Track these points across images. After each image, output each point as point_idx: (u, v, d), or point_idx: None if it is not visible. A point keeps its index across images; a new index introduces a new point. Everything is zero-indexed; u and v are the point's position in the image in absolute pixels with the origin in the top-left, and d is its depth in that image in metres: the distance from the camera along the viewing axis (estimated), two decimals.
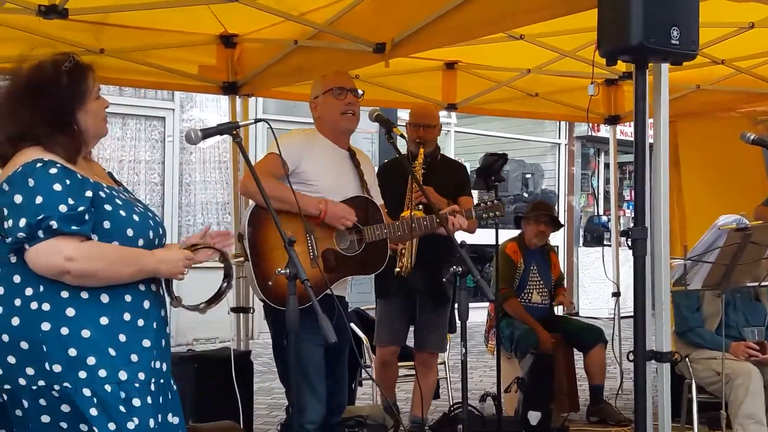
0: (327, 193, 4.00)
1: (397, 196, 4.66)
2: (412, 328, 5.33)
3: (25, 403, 2.61)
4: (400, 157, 4.22)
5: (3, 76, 2.85)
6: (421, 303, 5.10)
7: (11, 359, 2.60)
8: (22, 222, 2.55)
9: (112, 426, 2.57)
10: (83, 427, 2.59)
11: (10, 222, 2.57)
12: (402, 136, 4.28)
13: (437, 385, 6.17)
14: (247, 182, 3.99)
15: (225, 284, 2.97)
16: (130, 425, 2.60)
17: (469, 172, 13.43)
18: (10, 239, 2.58)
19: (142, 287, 2.73)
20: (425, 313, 5.15)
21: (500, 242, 5.84)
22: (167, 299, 2.87)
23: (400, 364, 5.42)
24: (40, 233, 2.54)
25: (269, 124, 3.38)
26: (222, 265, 2.99)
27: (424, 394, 5.18)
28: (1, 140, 2.72)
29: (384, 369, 5.29)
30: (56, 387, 2.57)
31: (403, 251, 4.77)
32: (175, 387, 2.83)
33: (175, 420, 2.79)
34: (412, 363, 5.42)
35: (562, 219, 14.15)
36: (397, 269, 4.76)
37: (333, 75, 4.33)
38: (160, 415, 2.70)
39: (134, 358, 2.65)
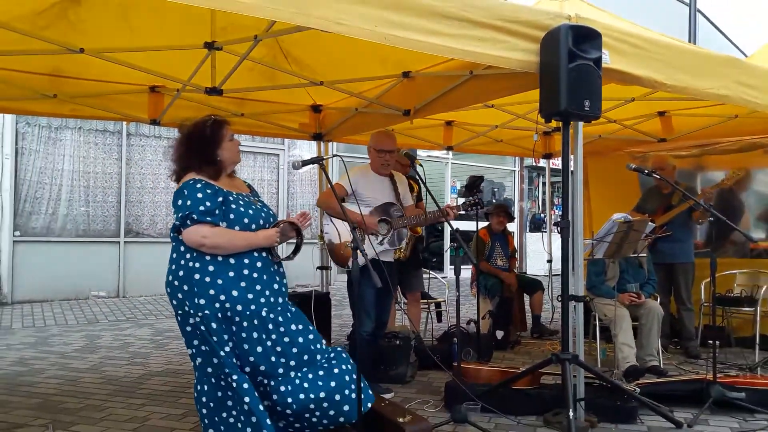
0: (374, 203, 4.01)
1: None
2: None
3: (191, 321, 2.65)
4: (421, 181, 4.18)
5: (178, 129, 2.91)
6: (401, 268, 5.04)
7: (180, 295, 2.66)
8: (179, 215, 2.65)
9: (225, 337, 2.61)
10: (223, 335, 2.61)
11: (174, 216, 2.67)
12: (420, 165, 4.26)
13: (441, 314, 6.17)
14: (321, 200, 4.10)
15: (299, 239, 2.94)
16: (243, 334, 2.64)
17: (459, 187, 13.37)
18: (174, 224, 2.68)
19: (255, 254, 2.74)
20: (406, 270, 5.11)
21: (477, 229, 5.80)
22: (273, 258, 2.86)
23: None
24: (188, 222, 2.62)
25: (341, 158, 3.39)
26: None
27: (418, 317, 5.32)
28: (176, 169, 2.81)
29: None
30: (201, 313, 2.61)
31: (403, 247, 4.75)
32: (293, 309, 2.81)
33: (299, 327, 2.77)
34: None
35: (516, 216, 14.22)
36: (396, 256, 4.68)
37: (381, 138, 4.21)
38: (273, 328, 2.68)
39: (250, 296, 2.66)
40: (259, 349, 2.67)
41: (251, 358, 2.66)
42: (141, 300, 9.00)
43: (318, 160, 3.24)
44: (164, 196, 9.70)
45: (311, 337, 2.79)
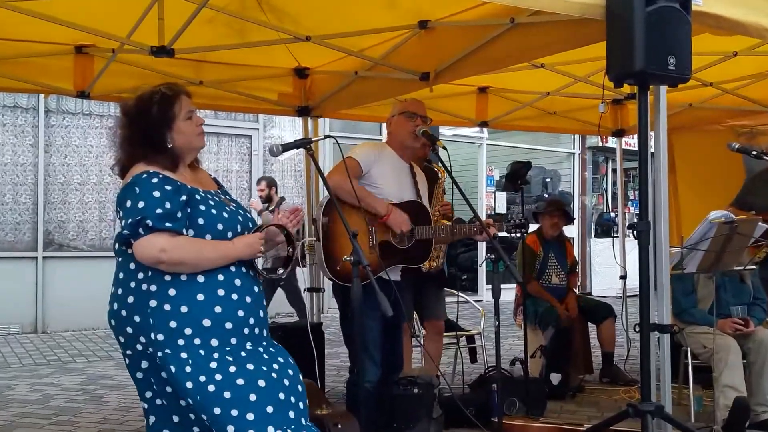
0: (388, 195, 4.00)
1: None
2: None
3: (143, 364, 2.67)
4: (446, 170, 4.18)
5: (119, 107, 2.93)
6: (422, 287, 5.08)
7: (129, 330, 2.67)
8: (128, 221, 2.63)
9: (202, 378, 2.58)
10: (186, 383, 2.62)
11: (122, 222, 2.67)
12: (444, 148, 4.26)
13: (475, 351, 6.16)
14: (337, 179, 3.77)
15: (290, 249, 2.95)
16: (218, 377, 2.60)
17: (497, 177, 13.40)
18: (120, 235, 2.67)
19: (232, 269, 2.74)
20: (428, 292, 5.15)
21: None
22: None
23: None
24: (140, 230, 2.61)
25: (336, 140, 3.39)
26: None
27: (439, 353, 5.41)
28: (120, 158, 2.82)
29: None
30: (159, 353, 2.62)
31: (435, 254, 4.79)
32: (275, 349, 2.82)
33: (281, 361, 2.77)
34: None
35: (576, 216, 14.20)
36: (426, 267, 4.73)
37: (411, 101, 4.35)
38: (254, 368, 2.66)
39: (228, 326, 2.67)
40: (253, 397, 2.66)
41: (235, 411, 2.66)
42: (66, 336, 9.05)
43: (304, 144, 3.24)
44: (96, 195, 9.76)
45: (296, 395, 2.77)
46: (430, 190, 4.74)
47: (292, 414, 2.67)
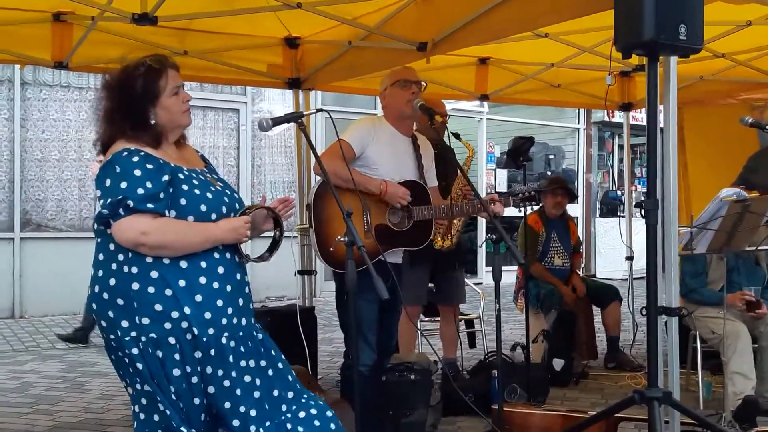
0: (386, 176, 3.99)
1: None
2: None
3: (126, 350, 2.67)
4: (448, 150, 4.16)
5: (102, 78, 2.90)
6: (440, 265, 5.12)
7: (111, 313, 2.68)
8: (108, 201, 2.63)
9: (176, 372, 2.64)
10: (172, 371, 2.65)
11: (100, 201, 2.67)
12: (443, 122, 4.26)
13: (474, 336, 6.20)
14: (328, 165, 3.71)
15: (278, 232, 2.95)
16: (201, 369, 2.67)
17: (498, 154, 13.40)
18: (99, 215, 2.67)
19: (216, 255, 2.74)
20: (445, 273, 5.19)
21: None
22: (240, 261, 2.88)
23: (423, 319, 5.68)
24: (121, 211, 2.61)
25: (329, 113, 3.38)
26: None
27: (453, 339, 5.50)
28: (101, 134, 2.81)
29: (408, 324, 5.33)
30: (143, 338, 2.63)
31: (449, 232, 4.80)
32: (260, 336, 2.84)
33: (262, 363, 2.80)
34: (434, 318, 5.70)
35: (580, 194, 14.23)
36: (439, 245, 4.76)
37: (401, 69, 4.32)
38: (234, 362, 2.72)
39: (207, 315, 2.67)
40: (211, 389, 2.70)
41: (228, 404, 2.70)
42: (45, 321, 9.05)
43: (295, 118, 3.23)
44: (76, 172, 9.74)
45: (283, 381, 2.82)
46: (444, 168, 4.71)
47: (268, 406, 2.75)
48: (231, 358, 2.71)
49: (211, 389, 2.69)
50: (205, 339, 2.66)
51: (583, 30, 4.96)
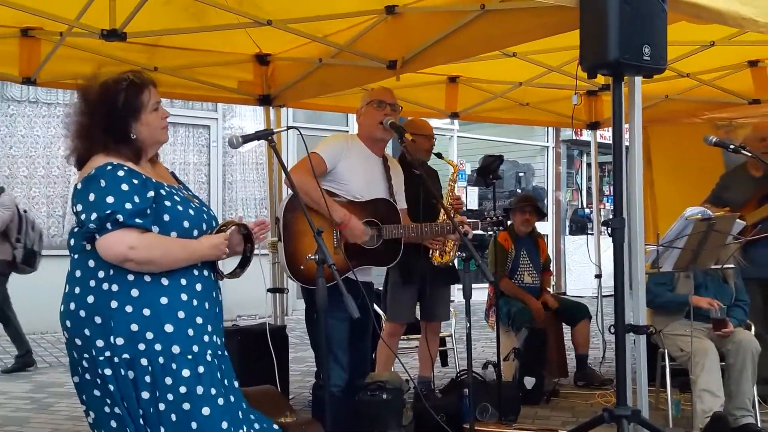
0: (356, 192, 3.99)
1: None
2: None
3: (99, 371, 2.64)
4: (422, 173, 4.11)
5: (78, 92, 2.87)
6: (431, 282, 5.13)
7: (87, 332, 2.64)
8: (94, 216, 2.60)
9: (145, 395, 2.61)
10: (141, 393, 2.62)
11: (83, 216, 2.63)
12: (413, 140, 4.27)
13: (446, 354, 6.19)
14: (298, 178, 3.68)
15: (249, 246, 2.94)
16: (182, 390, 2.63)
17: (469, 172, 13.45)
18: (83, 230, 2.63)
19: (195, 272, 2.74)
20: (436, 290, 5.20)
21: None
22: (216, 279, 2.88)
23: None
24: (108, 225, 2.58)
25: (299, 131, 3.38)
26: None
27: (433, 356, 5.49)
28: (77, 148, 2.78)
29: (391, 340, 5.32)
30: (116, 359, 2.60)
31: (446, 248, 4.87)
32: (227, 355, 2.84)
33: (235, 383, 2.81)
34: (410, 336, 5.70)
35: (550, 212, 14.32)
36: (438, 261, 4.90)
37: (379, 90, 4.33)
38: (216, 381, 2.71)
39: (190, 332, 2.67)
40: (206, 411, 2.65)
41: (194, 425, 2.64)
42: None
43: (266, 135, 3.23)
44: (44, 189, 9.62)
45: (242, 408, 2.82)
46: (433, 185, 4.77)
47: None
48: (219, 375, 2.71)
49: (186, 406, 2.64)
50: (190, 357, 2.64)
51: (551, 50, 5.01)
